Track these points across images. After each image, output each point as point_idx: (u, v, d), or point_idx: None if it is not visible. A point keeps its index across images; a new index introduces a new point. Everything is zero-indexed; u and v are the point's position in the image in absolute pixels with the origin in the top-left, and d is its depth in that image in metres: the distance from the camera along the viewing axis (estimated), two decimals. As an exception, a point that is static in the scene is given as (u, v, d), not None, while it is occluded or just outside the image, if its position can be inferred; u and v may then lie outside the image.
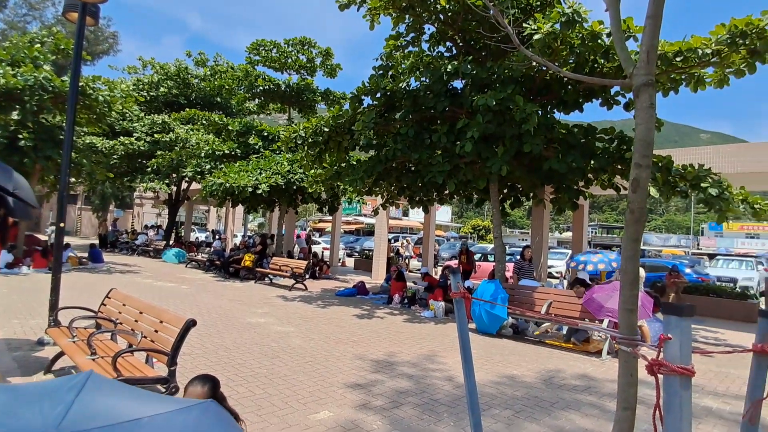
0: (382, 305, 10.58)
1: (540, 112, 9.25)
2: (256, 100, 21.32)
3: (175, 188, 22.11)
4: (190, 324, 3.90)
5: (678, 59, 7.87)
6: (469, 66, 9.14)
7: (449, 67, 9.13)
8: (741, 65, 7.59)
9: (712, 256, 24.53)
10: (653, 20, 2.09)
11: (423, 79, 9.81)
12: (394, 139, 10.18)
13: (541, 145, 8.58)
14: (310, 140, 10.94)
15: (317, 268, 16.00)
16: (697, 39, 7.64)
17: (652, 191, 7.88)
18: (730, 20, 7.25)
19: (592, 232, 68.45)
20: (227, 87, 20.91)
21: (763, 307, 11.71)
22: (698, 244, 52.40)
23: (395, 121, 10.42)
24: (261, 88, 19.28)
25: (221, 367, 5.32)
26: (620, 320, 1.96)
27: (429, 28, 10.88)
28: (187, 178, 20.34)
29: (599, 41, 8.00)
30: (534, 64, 8.71)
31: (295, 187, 15.20)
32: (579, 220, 13.63)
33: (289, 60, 19.80)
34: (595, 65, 8.74)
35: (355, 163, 11.68)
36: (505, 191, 11.65)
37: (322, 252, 23.08)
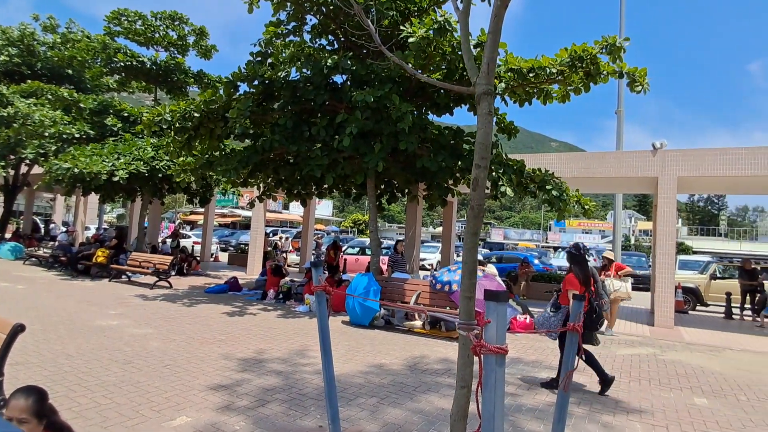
0: (255, 301, 10.21)
1: (415, 112, 9.70)
2: (116, 76, 18.96)
3: (12, 172, 18.78)
4: (18, 329, 3.31)
5: (531, 75, 8.85)
6: (349, 62, 9.22)
7: (329, 60, 9.10)
8: (579, 84, 8.79)
9: (556, 249, 28.34)
10: (493, 35, 2.30)
11: (304, 70, 9.64)
12: (271, 130, 9.85)
13: (416, 143, 9.01)
14: (177, 125, 10.06)
15: (185, 264, 14.86)
16: (545, 59, 8.67)
17: (508, 191, 8.78)
18: (571, 45, 8.37)
19: (461, 227, 74.16)
20: (80, 59, 18.23)
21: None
22: (546, 239, 60.21)
23: (273, 111, 10.09)
24: (121, 63, 17.17)
25: (60, 377, 4.65)
26: (460, 306, 2.15)
27: (311, 20, 10.72)
28: (27, 161, 17.40)
29: (468, 51, 8.63)
30: (410, 66, 9.12)
31: (160, 176, 13.89)
32: (448, 216, 14.64)
33: (157, 35, 17.93)
34: (464, 73, 9.43)
35: (228, 152, 11.04)
36: (382, 187, 12.03)
37: (192, 246, 21.53)
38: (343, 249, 18.63)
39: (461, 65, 9.14)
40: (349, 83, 9.88)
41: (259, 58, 10.10)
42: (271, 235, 24.63)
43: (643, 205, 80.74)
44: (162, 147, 13.23)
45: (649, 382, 5.76)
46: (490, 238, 60.16)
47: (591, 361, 5.25)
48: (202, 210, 21.72)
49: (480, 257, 7.11)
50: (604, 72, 8.39)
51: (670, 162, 10.32)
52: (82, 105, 16.50)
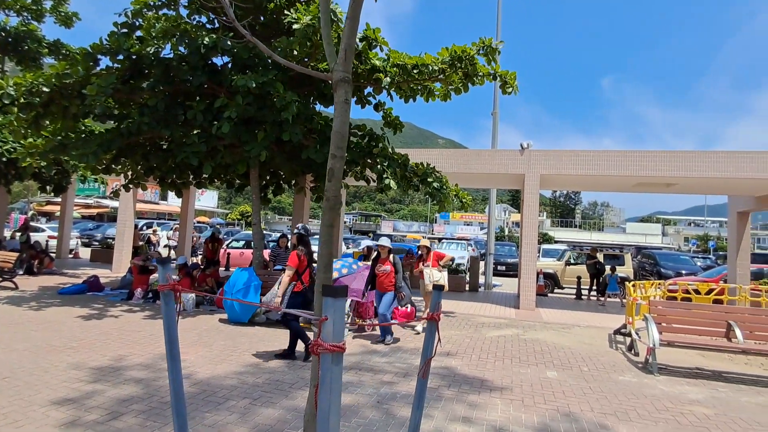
0: (119, 302, 9.18)
1: (301, 102, 9.44)
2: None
3: None
4: None
5: (415, 72, 9.13)
6: (229, 42, 8.65)
7: (206, 39, 8.44)
8: (459, 84, 9.28)
9: (440, 240, 30.05)
10: (352, 21, 2.26)
11: (180, 48, 8.82)
12: (140, 111, 8.89)
13: (300, 134, 8.77)
14: (22, 100, 8.59)
15: (36, 262, 12.88)
16: (428, 57, 9.00)
17: (392, 184, 9.00)
18: (451, 46, 8.79)
19: (353, 219, 75.03)
20: None
21: (468, 279, 14.86)
22: (433, 230, 63.64)
23: (142, 90, 9.10)
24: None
25: None
26: (315, 302, 2.09)
27: (189, -7, 9.83)
28: None
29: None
30: (296, 53, 8.84)
31: (4, 160, 11.82)
32: (337, 209, 14.61)
33: (7, -5, 15.17)
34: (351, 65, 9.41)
35: (87, 134, 9.72)
36: (267, 178, 11.57)
37: (47, 241, 18.76)
38: (227, 243, 17.66)
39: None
40: (230, 66, 9.28)
41: (125, 30, 9.01)
42: (144, 228, 22.45)
43: (516, 200, 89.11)
44: (5, 126, 11.22)
45: (511, 360, 6.32)
46: (380, 230, 61.82)
47: (299, 333, 5.76)
48: (59, 200, 19.01)
49: (389, 245, 7.32)
50: (481, 73, 8.95)
51: (535, 161, 11.44)
52: None
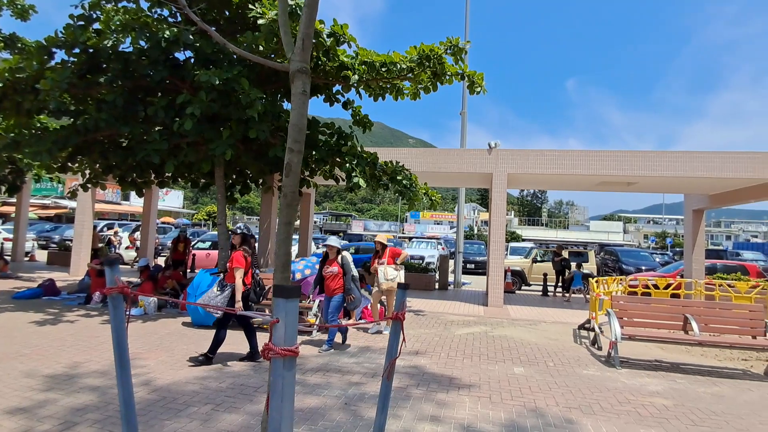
0: (76, 306, 8.77)
1: (268, 99, 9.25)
2: None
3: None
4: None
5: (384, 70, 9.09)
6: (191, 36, 8.40)
7: (168, 32, 8.17)
8: (428, 83, 9.30)
9: (410, 239, 30.18)
10: (309, 9, 2.21)
11: (140, 42, 8.49)
12: (97, 107, 8.53)
13: (268, 132, 8.60)
14: (-28, 96, 8.11)
15: (-14, 265, 12.18)
16: (397, 55, 8.98)
17: (361, 182, 8.93)
18: (420, 44, 8.80)
19: (323, 218, 74.54)
20: None
21: (438, 278, 14.97)
22: (403, 229, 63.91)
23: (99, 85, 8.71)
24: None
25: None
26: (273, 303, 2.02)
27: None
28: None
29: (320, 39, 8.50)
30: (261, 49, 8.65)
31: (-50, 157, 11.06)
32: (306, 208, 14.45)
33: (-47, -16, 14.21)
34: (319, 62, 9.28)
35: (41, 131, 9.25)
36: (234, 177, 11.30)
37: (2, 244, 17.78)
38: (193, 243, 17.19)
39: (315, 54, 8.96)
40: (193, 61, 9.01)
41: (81, 23, 8.62)
42: (105, 229, 21.61)
43: (485, 199, 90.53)
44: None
45: (480, 358, 6.38)
46: (351, 230, 61.67)
47: (250, 333, 5.75)
48: (14, 200, 18.07)
49: (338, 245, 7.08)
50: (449, 73, 9.00)
51: (502, 160, 11.61)
52: None
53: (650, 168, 10.92)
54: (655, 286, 10.80)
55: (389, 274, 7.84)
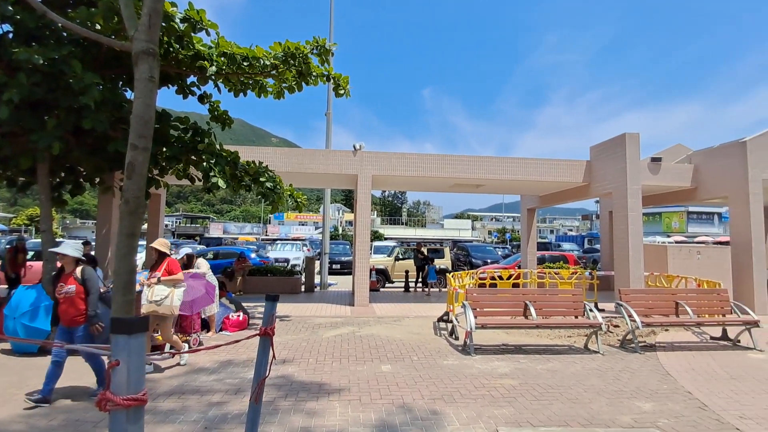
0: None
1: (108, 85, 8.06)
2: None
3: None
4: None
5: (245, 64, 8.59)
6: (10, 8, 6.90)
7: (-28, -2, 6.59)
8: (293, 83, 9.06)
9: (274, 241, 29.26)
10: None
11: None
12: None
13: (107, 123, 7.47)
14: None
15: None
16: (260, 50, 8.56)
17: (221, 183, 8.32)
18: (285, 41, 8.51)
19: (177, 221, 68.40)
20: None
21: (304, 280, 14.75)
22: (267, 231, 61.81)
23: None
24: None
25: None
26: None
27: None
28: None
29: (172, 24, 7.70)
30: (99, 27, 7.50)
31: None
32: (155, 210, 13.01)
33: None
34: (171, 49, 8.39)
35: None
36: (63, 174, 9.61)
37: None
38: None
39: (166, 39, 8.08)
40: (11, 36, 7.42)
41: None
42: None
43: (349, 199, 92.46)
44: None
45: (348, 359, 6.41)
46: (209, 233, 57.58)
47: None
48: None
49: (73, 253, 4.79)
50: (315, 73, 8.89)
51: (367, 162, 11.89)
52: None
53: (495, 172, 12.22)
54: (500, 278, 12.13)
55: (156, 294, 5.71)
